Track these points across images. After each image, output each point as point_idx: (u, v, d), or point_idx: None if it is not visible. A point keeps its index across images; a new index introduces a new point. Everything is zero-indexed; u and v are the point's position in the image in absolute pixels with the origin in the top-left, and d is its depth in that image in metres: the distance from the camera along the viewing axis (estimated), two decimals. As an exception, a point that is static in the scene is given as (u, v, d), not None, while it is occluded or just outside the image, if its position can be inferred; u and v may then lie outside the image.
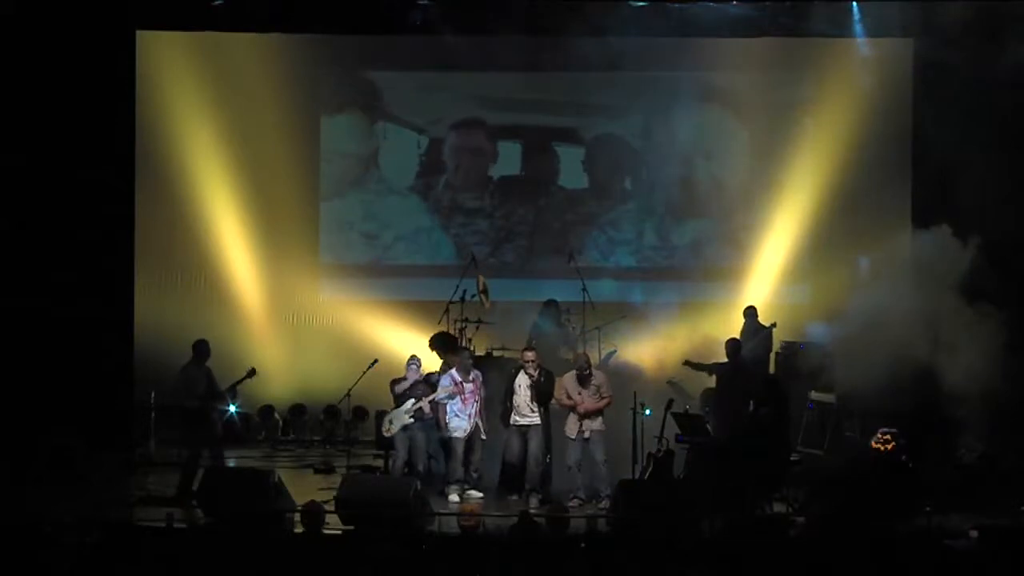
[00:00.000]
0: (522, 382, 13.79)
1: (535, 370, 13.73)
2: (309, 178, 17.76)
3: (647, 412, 13.53)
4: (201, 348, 14.02)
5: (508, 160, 17.98)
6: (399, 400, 14.09)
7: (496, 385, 14.20)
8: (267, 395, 17.11)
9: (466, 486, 13.97)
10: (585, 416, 13.64)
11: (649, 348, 16.52)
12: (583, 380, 13.77)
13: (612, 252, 17.71)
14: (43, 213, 16.34)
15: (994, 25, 15.14)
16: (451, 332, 14.98)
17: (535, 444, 13.71)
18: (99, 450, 15.04)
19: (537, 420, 13.80)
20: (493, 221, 17.91)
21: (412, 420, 13.96)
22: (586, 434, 13.66)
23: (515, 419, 13.86)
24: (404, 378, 14.15)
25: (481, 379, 14.09)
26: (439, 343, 14.62)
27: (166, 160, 17.22)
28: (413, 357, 14.35)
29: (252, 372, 14.17)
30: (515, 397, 13.81)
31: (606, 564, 9.37)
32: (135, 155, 17.00)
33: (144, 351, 16.75)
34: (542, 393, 13.75)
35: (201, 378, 13.80)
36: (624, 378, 15.46)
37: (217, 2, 16.56)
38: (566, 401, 13.79)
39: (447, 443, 14.02)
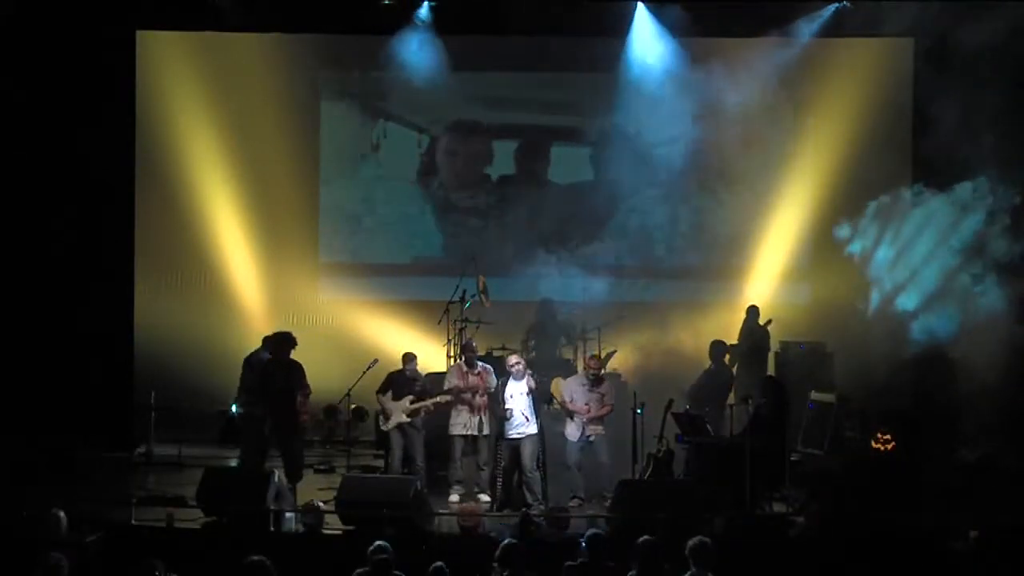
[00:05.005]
0: (515, 391, 13.34)
1: (530, 373, 13.37)
2: (309, 178, 17.75)
3: (639, 411, 13.46)
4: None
5: (507, 159, 17.97)
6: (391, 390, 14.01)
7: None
8: (267, 395, 17.09)
9: (475, 488, 13.84)
10: (588, 422, 13.62)
11: (649, 348, 16.52)
12: (592, 387, 13.74)
13: (612, 252, 17.67)
14: (43, 213, 16.32)
15: (993, 23, 15.13)
16: (292, 333, 13.93)
17: (527, 453, 13.23)
18: (99, 450, 15.02)
19: (532, 429, 13.31)
20: (492, 220, 17.89)
21: (408, 419, 13.94)
22: (591, 438, 13.65)
23: (507, 432, 13.33)
24: (402, 371, 14.06)
25: (491, 371, 13.86)
26: (275, 343, 13.88)
27: (166, 160, 17.20)
28: (409, 355, 14.28)
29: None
30: (509, 408, 13.30)
31: (606, 564, 9.37)
32: (135, 155, 16.98)
33: (144, 351, 16.76)
34: (543, 398, 13.52)
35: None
36: (623, 378, 15.48)
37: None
38: (571, 406, 13.73)
39: (447, 442, 13.92)
